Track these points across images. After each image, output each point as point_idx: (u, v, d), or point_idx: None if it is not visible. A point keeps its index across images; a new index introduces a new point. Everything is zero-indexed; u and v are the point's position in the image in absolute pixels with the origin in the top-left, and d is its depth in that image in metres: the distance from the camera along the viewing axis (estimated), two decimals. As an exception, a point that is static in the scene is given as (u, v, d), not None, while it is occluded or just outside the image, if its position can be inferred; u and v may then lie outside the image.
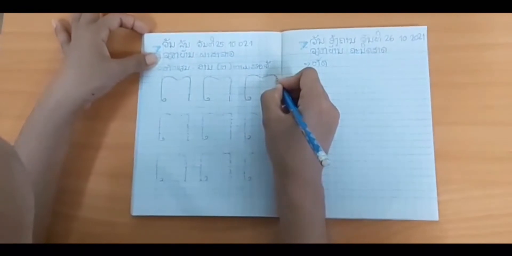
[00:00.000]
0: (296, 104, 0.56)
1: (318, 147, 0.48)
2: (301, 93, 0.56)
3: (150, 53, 0.66)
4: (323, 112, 0.55)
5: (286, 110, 0.57)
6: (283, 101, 0.58)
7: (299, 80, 0.57)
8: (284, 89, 0.59)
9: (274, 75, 0.63)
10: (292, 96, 0.58)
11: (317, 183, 0.56)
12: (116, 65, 0.62)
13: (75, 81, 0.59)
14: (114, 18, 0.64)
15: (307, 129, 0.51)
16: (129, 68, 0.63)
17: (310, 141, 0.50)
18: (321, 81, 0.62)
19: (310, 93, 0.56)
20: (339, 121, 0.57)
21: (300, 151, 0.53)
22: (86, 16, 0.64)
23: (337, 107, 0.60)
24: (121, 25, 0.65)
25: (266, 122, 0.57)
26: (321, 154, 0.47)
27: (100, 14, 0.65)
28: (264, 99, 0.58)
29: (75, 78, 0.59)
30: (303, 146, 0.52)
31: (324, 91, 0.57)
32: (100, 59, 0.61)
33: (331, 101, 0.57)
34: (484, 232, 0.58)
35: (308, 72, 0.57)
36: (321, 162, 0.47)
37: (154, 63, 0.66)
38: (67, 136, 0.60)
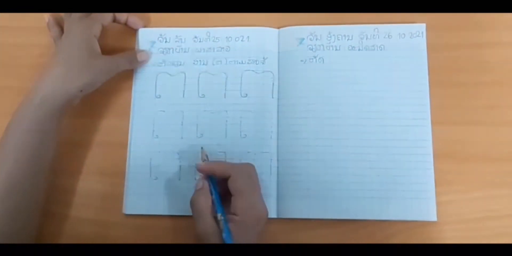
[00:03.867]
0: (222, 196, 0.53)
1: None
2: (233, 199, 0.52)
3: (142, 50, 0.63)
4: (260, 219, 0.52)
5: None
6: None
7: (223, 173, 0.53)
8: (211, 180, 0.54)
9: (202, 149, 0.58)
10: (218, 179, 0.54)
11: None
12: (107, 62, 0.59)
13: (63, 77, 0.56)
14: (107, 14, 0.61)
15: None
16: (120, 65, 0.60)
17: None
18: (318, 79, 0.61)
19: (242, 203, 0.51)
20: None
21: None
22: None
23: (333, 105, 0.60)
24: (114, 20, 0.62)
25: (204, 237, 0.50)
26: None
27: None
28: (193, 208, 0.52)
29: (64, 74, 0.56)
30: None
31: (253, 192, 0.53)
32: (90, 55, 0.57)
33: (326, 98, 0.57)
34: (483, 234, 0.56)
35: (236, 177, 0.52)
36: None
37: (146, 60, 0.63)
38: (55, 131, 0.57)
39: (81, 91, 0.57)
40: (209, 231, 0.51)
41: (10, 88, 0.62)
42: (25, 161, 0.54)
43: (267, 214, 0.53)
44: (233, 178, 0.52)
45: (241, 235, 0.50)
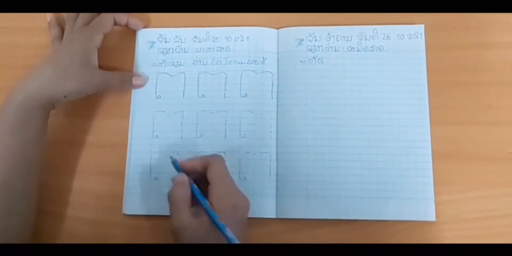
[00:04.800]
0: (204, 191, 0.52)
1: None
2: (210, 188, 0.52)
3: (139, 75, 0.62)
4: (237, 207, 0.52)
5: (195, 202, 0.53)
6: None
7: (203, 164, 0.53)
8: (188, 175, 0.54)
9: (171, 157, 0.56)
10: (198, 178, 0.54)
11: None
12: (98, 76, 0.58)
13: (50, 79, 0.55)
14: (107, 20, 0.60)
15: (229, 234, 0.49)
16: (111, 82, 0.60)
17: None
18: (317, 79, 0.60)
19: (220, 190, 0.52)
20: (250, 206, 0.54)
21: None
22: (84, 17, 0.61)
23: (332, 106, 0.60)
24: (115, 23, 0.61)
25: (180, 231, 0.51)
26: None
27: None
28: (171, 201, 0.52)
29: (51, 76, 0.55)
30: None
31: (231, 179, 0.54)
32: (84, 65, 0.57)
33: (325, 98, 0.58)
34: (481, 233, 0.56)
35: (215, 164, 0.53)
36: None
37: (141, 85, 0.62)
38: (40, 131, 0.56)
39: (65, 96, 0.56)
40: (185, 224, 0.51)
41: (4, 88, 0.61)
42: (11, 161, 0.53)
43: (247, 204, 0.53)
44: (211, 167, 0.53)
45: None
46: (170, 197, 0.53)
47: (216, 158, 0.54)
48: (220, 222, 0.50)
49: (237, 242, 0.48)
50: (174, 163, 0.55)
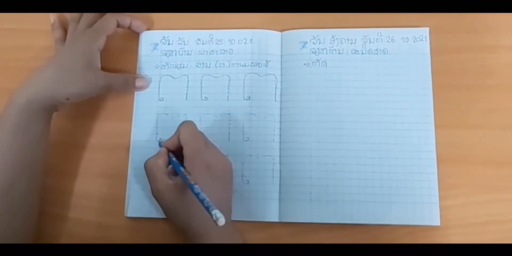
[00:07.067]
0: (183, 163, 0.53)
1: (208, 207, 0.46)
2: (183, 152, 0.53)
3: (142, 76, 0.62)
4: (210, 166, 0.52)
5: (175, 172, 0.53)
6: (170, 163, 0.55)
7: (178, 136, 0.54)
8: (170, 150, 0.55)
9: (160, 138, 0.59)
10: (180, 154, 0.54)
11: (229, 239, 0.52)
12: (101, 78, 0.58)
13: (52, 82, 0.55)
14: (110, 22, 0.60)
15: (196, 190, 0.48)
16: (114, 84, 0.59)
17: (201, 202, 0.47)
18: (320, 82, 0.60)
19: (191, 150, 0.53)
20: (233, 169, 0.56)
21: (205, 215, 0.47)
22: (86, 19, 0.60)
23: (336, 109, 0.59)
24: (118, 25, 0.61)
25: (156, 193, 0.53)
26: (215, 213, 0.44)
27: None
28: (148, 168, 0.54)
29: (53, 79, 0.55)
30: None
31: (205, 141, 0.55)
32: (86, 67, 0.56)
33: (329, 101, 0.57)
34: (486, 238, 0.55)
35: (184, 128, 0.54)
36: (215, 221, 0.44)
37: (144, 87, 0.61)
38: (43, 133, 0.56)
39: (68, 99, 0.56)
40: (161, 187, 0.52)
41: (6, 90, 0.60)
42: (13, 163, 0.53)
43: (223, 162, 0.55)
44: (180, 133, 0.54)
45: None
46: (146, 165, 0.54)
47: (184, 123, 0.55)
48: (191, 182, 0.49)
49: (206, 198, 0.47)
50: (160, 143, 0.57)
